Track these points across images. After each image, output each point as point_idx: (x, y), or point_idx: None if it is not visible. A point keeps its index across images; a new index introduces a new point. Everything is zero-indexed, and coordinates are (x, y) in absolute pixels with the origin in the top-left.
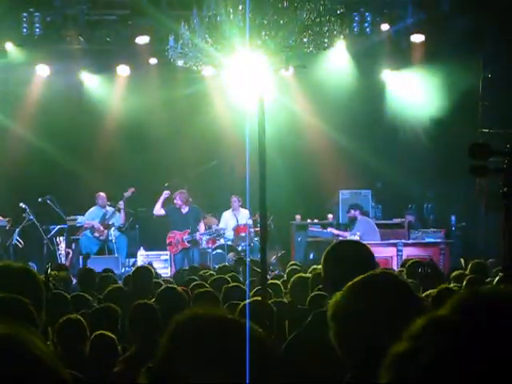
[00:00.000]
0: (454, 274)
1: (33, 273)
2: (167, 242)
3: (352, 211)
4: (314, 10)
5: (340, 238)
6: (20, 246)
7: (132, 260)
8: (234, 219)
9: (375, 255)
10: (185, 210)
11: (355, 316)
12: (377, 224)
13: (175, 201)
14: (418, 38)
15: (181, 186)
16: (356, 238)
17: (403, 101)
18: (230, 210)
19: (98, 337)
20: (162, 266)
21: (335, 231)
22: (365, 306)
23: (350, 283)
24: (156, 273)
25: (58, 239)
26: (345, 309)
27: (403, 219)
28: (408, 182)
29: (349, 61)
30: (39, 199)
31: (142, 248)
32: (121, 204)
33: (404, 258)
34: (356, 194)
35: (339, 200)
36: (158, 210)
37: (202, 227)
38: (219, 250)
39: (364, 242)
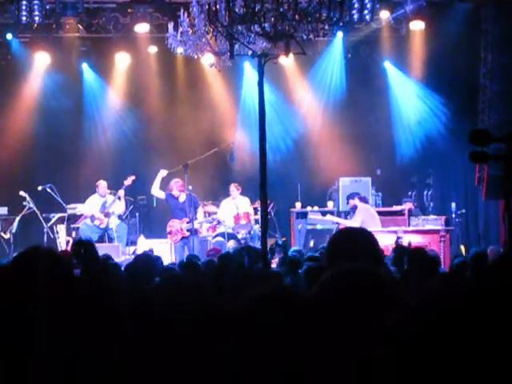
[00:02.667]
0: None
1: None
2: (167, 230)
3: (351, 201)
4: None
5: (340, 226)
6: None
7: (132, 248)
8: (234, 207)
9: None
10: (182, 198)
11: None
12: (377, 211)
13: (172, 192)
14: (417, 25)
15: (182, 174)
16: (356, 225)
17: (402, 88)
18: (230, 197)
19: None
20: (163, 254)
21: (335, 219)
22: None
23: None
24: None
25: (58, 227)
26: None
27: (403, 206)
28: (408, 169)
29: (348, 48)
30: (39, 188)
31: (142, 236)
32: (121, 192)
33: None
34: (356, 182)
35: (339, 187)
36: (157, 191)
37: (200, 215)
38: (219, 239)
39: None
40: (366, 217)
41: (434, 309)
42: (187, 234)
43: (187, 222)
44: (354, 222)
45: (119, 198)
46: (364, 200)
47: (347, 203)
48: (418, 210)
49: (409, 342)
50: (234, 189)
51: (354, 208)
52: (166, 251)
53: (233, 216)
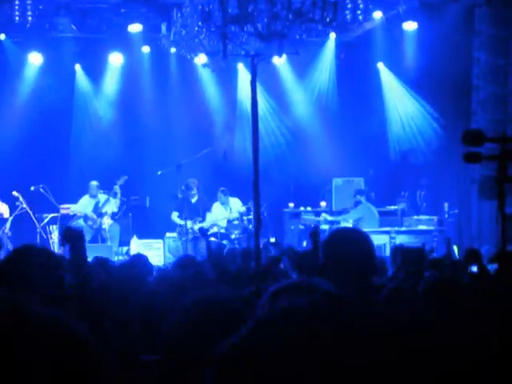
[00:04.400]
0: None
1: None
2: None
3: (358, 196)
4: None
5: (334, 226)
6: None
7: (125, 248)
8: (224, 210)
9: None
10: (194, 198)
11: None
12: None
13: (192, 191)
14: (410, 26)
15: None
16: (349, 224)
17: (394, 88)
18: (218, 202)
19: None
20: (155, 254)
21: (328, 217)
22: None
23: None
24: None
25: (50, 228)
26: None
27: (396, 207)
28: (400, 169)
29: (341, 48)
30: (32, 188)
31: (135, 236)
32: (117, 188)
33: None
34: (349, 182)
35: (332, 188)
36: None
37: (209, 217)
38: (212, 239)
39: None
40: (366, 214)
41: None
42: (198, 234)
43: (199, 222)
44: (348, 219)
45: (115, 194)
46: (369, 199)
47: (354, 196)
48: (411, 210)
49: None
50: (220, 195)
51: (357, 203)
52: (158, 251)
53: (225, 218)
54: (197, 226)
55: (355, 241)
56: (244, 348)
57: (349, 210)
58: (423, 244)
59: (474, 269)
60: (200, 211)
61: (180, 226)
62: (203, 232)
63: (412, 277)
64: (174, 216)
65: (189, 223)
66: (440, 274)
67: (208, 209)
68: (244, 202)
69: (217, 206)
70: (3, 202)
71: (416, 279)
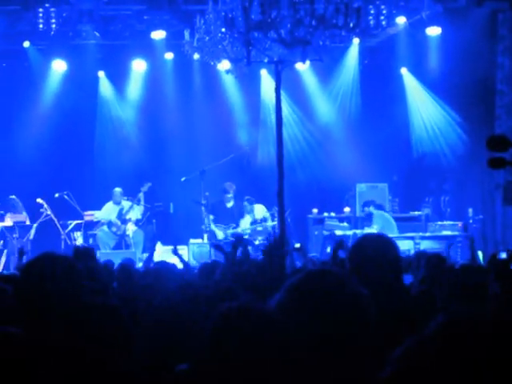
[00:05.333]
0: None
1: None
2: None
3: (366, 208)
4: (330, 4)
5: (358, 232)
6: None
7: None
8: (249, 218)
9: None
10: (230, 203)
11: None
12: (394, 217)
13: (228, 195)
14: (433, 31)
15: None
16: (373, 231)
17: (418, 94)
18: (244, 211)
19: None
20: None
21: (352, 233)
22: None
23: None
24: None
25: (75, 234)
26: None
27: (420, 212)
28: (425, 174)
29: (364, 54)
30: (56, 194)
31: (159, 242)
32: (141, 195)
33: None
34: (372, 188)
35: (356, 193)
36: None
37: (243, 223)
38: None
39: None
40: (383, 223)
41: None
42: (231, 239)
43: (233, 228)
44: (371, 228)
45: (139, 201)
46: (379, 207)
47: (362, 211)
48: (435, 216)
49: None
50: (246, 204)
51: (369, 215)
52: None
53: (250, 223)
54: (230, 232)
55: (381, 245)
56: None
57: (366, 221)
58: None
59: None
60: (235, 217)
61: (210, 230)
62: (238, 238)
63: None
64: (210, 220)
65: (220, 233)
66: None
67: (242, 215)
68: (268, 208)
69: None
70: (24, 208)
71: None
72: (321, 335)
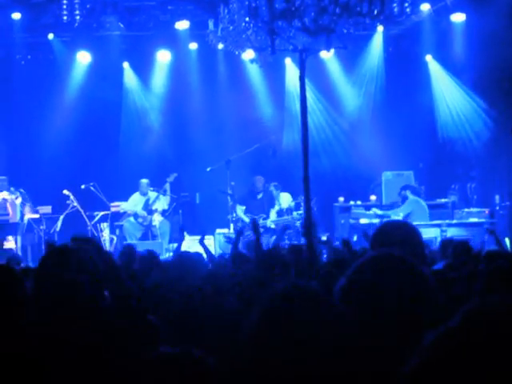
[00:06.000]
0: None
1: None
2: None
3: (403, 191)
4: None
5: (384, 220)
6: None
7: (175, 245)
8: (275, 203)
9: None
10: (260, 195)
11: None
12: None
13: (257, 187)
14: (458, 18)
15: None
16: (400, 216)
17: (443, 81)
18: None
19: None
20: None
21: (378, 212)
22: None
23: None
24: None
25: (101, 225)
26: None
27: (447, 200)
28: (451, 161)
29: (389, 41)
30: (82, 186)
31: (185, 233)
32: (167, 186)
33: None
34: (398, 176)
35: (382, 181)
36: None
37: (272, 214)
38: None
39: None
40: (415, 209)
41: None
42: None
43: (263, 219)
44: (399, 213)
45: (165, 192)
46: (416, 193)
47: (399, 194)
48: (462, 203)
49: None
50: (272, 189)
51: (404, 199)
52: (209, 248)
53: (276, 212)
54: (260, 223)
55: (404, 232)
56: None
57: (399, 204)
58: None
59: None
60: (265, 207)
61: (241, 220)
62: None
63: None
64: (239, 210)
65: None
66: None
67: (273, 205)
68: (293, 197)
69: None
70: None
71: (466, 272)
72: (387, 319)
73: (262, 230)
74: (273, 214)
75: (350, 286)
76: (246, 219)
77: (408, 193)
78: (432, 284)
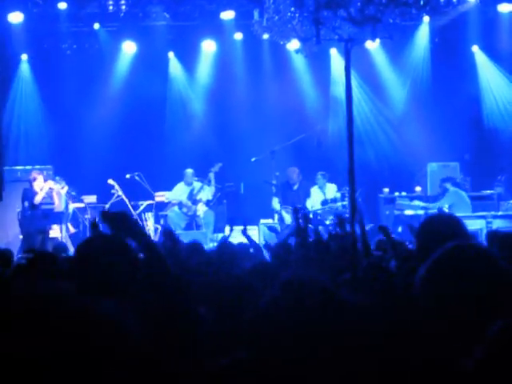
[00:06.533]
0: None
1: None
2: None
3: (443, 184)
4: None
5: (429, 211)
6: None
7: (220, 235)
8: (321, 194)
9: None
10: (295, 186)
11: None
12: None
13: (292, 179)
14: (505, 8)
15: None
16: (444, 210)
17: (490, 71)
18: (316, 186)
19: None
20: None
21: (423, 204)
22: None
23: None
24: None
25: (146, 215)
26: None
27: (492, 191)
28: (497, 153)
29: (435, 32)
30: (127, 175)
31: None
32: (211, 175)
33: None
34: (444, 167)
35: (427, 173)
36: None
37: (309, 203)
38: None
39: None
40: (456, 201)
41: None
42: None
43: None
44: (440, 205)
45: (209, 182)
46: (457, 185)
47: (440, 186)
48: (508, 194)
49: None
50: (320, 177)
51: (445, 191)
52: (253, 238)
53: (320, 203)
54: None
55: (449, 224)
56: None
57: (439, 197)
58: None
59: None
60: (301, 198)
61: (278, 212)
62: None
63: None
64: (275, 202)
65: (287, 216)
66: None
67: (308, 195)
68: (339, 188)
69: (315, 191)
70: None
71: None
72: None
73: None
74: (310, 204)
75: (432, 274)
76: (285, 214)
77: (448, 185)
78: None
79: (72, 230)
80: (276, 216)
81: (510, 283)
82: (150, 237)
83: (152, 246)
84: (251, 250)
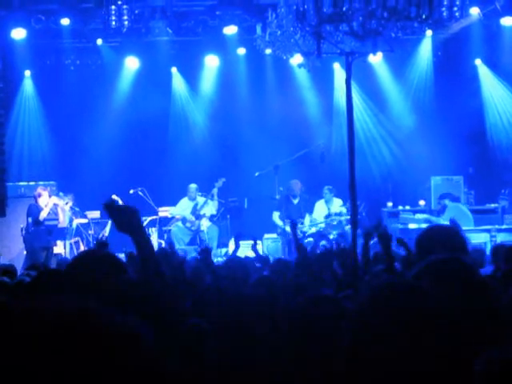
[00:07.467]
0: None
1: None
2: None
3: (441, 201)
4: None
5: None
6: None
7: (224, 250)
8: (326, 208)
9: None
10: (296, 199)
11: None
12: (470, 210)
13: (293, 192)
14: (508, 22)
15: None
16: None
17: (493, 85)
18: (323, 200)
19: None
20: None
21: (426, 216)
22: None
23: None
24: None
25: (149, 230)
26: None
27: (496, 205)
28: (501, 166)
29: (438, 45)
30: (131, 191)
31: (233, 238)
32: (215, 190)
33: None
34: (448, 180)
35: (431, 186)
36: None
37: (307, 220)
38: (310, 239)
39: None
40: (457, 215)
41: None
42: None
43: (300, 224)
44: (444, 219)
45: (212, 197)
46: (456, 199)
47: (438, 203)
48: None
49: None
50: (326, 191)
51: (444, 207)
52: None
53: (324, 217)
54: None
55: (448, 235)
56: None
57: (440, 213)
58: None
59: None
60: (302, 212)
61: (280, 226)
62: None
63: None
64: (275, 216)
65: (287, 227)
66: None
67: (309, 210)
68: (345, 203)
69: (320, 204)
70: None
71: None
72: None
73: (300, 234)
74: (313, 218)
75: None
76: (281, 223)
77: (447, 201)
78: (491, 291)
79: (82, 247)
80: (280, 230)
81: (488, 301)
82: (149, 239)
83: (150, 248)
84: (257, 265)
